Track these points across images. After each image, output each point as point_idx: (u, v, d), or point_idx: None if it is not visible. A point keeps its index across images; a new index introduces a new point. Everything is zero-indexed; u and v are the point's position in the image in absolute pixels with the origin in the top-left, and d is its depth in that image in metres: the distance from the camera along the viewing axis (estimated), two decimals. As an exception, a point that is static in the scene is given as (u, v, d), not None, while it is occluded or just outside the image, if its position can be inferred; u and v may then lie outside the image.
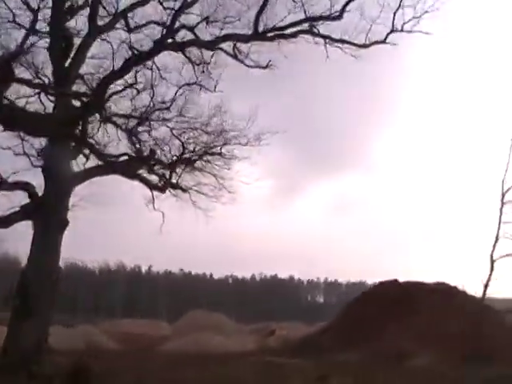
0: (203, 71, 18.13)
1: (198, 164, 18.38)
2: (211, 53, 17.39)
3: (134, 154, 17.20)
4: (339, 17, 14.92)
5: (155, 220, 19.29)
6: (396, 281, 28.44)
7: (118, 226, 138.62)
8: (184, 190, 18.61)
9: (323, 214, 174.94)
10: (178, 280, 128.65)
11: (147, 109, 17.84)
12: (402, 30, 15.18)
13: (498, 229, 29.34)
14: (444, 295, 26.40)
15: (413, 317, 24.79)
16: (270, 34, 15.24)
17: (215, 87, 17.95)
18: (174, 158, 18.25)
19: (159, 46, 15.55)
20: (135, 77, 18.40)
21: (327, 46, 15.44)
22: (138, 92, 18.87)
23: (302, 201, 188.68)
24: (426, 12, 14.89)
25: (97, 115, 16.73)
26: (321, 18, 15.08)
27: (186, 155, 18.36)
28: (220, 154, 18.40)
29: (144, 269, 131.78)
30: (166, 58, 18.02)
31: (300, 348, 27.42)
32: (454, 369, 20.17)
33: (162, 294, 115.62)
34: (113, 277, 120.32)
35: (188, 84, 17.90)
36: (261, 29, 15.03)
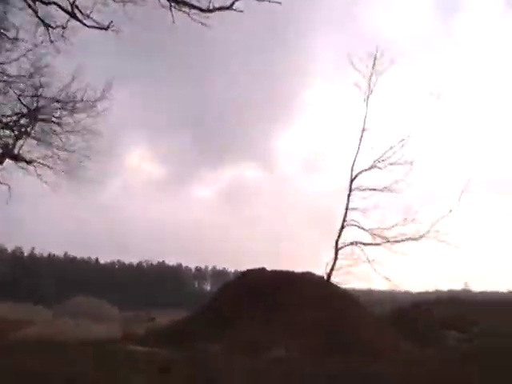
0: (63, 35, 16.77)
1: (42, 134, 16.92)
2: (67, 17, 16.02)
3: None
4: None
5: (40, 199, 17.82)
6: (263, 269, 27.76)
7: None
8: (28, 162, 17.08)
9: (216, 202, 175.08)
10: (63, 264, 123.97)
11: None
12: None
13: (345, 216, 28.99)
14: (310, 285, 26.02)
15: (277, 306, 24.26)
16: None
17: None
18: (15, 125, 16.71)
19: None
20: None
21: (173, 10, 14.40)
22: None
23: (196, 189, 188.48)
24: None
25: None
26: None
27: (32, 123, 16.86)
28: (69, 123, 17.05)
29: (26, 252, 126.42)
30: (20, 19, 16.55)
31: (165, 336, 26.37)
32: (311, 361, 19.82)
33: (45, 278, 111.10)
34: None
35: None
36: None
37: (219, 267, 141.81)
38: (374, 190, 29.74)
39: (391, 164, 29.82)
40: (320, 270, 28.77)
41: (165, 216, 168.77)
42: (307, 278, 26.88)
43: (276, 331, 22.74)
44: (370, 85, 30.64)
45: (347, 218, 29.09)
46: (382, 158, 29.82)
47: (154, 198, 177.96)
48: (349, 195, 29.45)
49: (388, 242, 29.05)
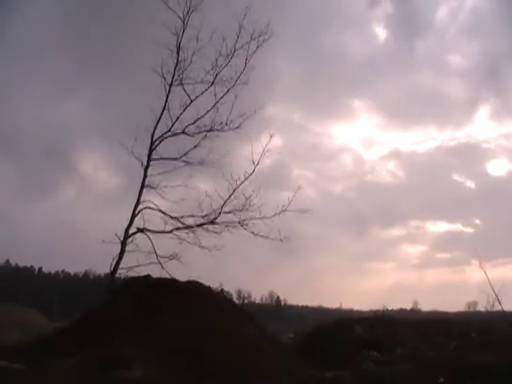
0: None
1: None
2: None
3: None
4: None
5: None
6: (148, 277, 24.11)
7: None
8: None
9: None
10: (3, 271, 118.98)
11: None
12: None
13: (139, 196, 23.19)
14: (190, 297, 22.43)
15: (147, 319, 21.06)
16: None
17: None
18: None
19: None
20: None
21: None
22: None
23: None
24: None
25: None
26: None
27: None
28: None
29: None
30: None
31: (30, 349, 23.14)
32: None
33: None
34: None
35: None
36: None
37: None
38: (176, 159, 24.09)
39: (207, 130, 24.14)
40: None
41: (117, 226, 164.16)
42: (191, 288, 23.31)
43: (140, 348, 19.60)
44: (184, 24, 23.76)
45: (142, 199, 23.48)
46: (193, 121, 24.15)
47: (108, 208, 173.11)
48: (146, 168, 23.55)
49: (179, 229, 23.89)
